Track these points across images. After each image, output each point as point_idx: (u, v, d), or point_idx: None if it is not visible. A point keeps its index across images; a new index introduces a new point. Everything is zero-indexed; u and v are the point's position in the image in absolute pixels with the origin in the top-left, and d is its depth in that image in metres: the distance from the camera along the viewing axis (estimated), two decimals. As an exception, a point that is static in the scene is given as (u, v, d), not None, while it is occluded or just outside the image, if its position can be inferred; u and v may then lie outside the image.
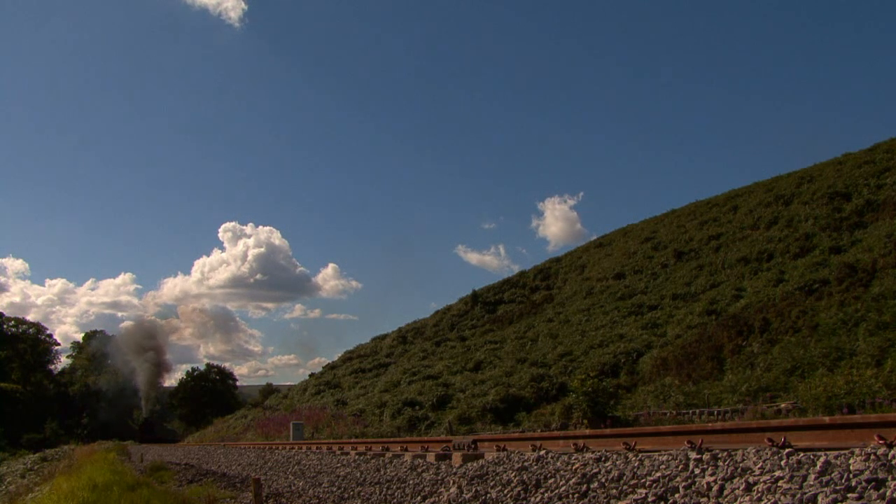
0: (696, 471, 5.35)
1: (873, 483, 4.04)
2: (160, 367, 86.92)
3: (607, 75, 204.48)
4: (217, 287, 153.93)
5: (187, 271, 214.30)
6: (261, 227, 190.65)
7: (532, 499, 6.54)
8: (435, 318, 52.24)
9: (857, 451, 4.52)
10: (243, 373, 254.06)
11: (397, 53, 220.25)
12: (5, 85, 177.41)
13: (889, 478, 4.04)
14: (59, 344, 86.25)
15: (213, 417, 59.23)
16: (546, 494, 6.43)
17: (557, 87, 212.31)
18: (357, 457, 12.72)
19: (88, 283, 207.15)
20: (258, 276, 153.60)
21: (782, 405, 13.03)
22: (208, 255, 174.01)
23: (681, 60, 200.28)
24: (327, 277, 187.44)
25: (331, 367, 52.53)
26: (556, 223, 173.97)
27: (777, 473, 4.63)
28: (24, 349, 78.80)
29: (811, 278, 21.54)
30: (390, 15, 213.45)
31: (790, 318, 18.78)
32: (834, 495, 4.07)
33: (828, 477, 4.30)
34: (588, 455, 6.89)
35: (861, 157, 35.02)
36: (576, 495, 6.09)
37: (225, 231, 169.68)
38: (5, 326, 78.80)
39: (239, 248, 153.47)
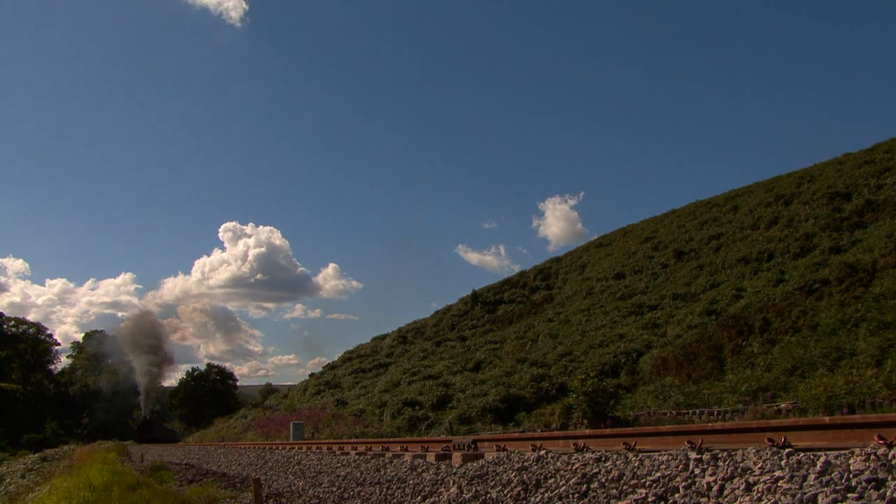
0: (696, 471, 5.35)
1: (873, 483, 4.04)
2: (161, 361, 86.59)
3: (608, 75, 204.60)
4: (217, 287, 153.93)
5: (188, 271, 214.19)
6: (261, 226, 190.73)
7: (532, 499, 6.54)
8: (435, 318, 52.24)
9: (857, 451, 4.52)
10: (243, 373, 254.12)
11: (398, 53, 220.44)
12: (5, 85, 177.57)
13: (889, 478, 4.04)
14: (59, 344, 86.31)
15: (214, 417, 59.22)
16: (546, 494, 6.43)
17: (558, 86, 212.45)
18: (357, 457, 12.72)
19: (89, 283, 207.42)
20: (258, 276, 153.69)
21: (782, 405, 13.02)
22: (209, 255, 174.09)
23: (681, 60, 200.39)
24: (328, 277, 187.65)
25: (331, 367, 52.53)
26: (556, 223, 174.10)
27: (777, 473, 4.63)
28: (24, 349, 78.78)
29: (811, 278, 21.54)
30: (390, 15, 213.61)
31: (790, 318, 18.78)
32: (834, 495, 4.07)
33: (828, 477, 4.30)
34: (588, 455, 6.89)
35: (861, 157, 35.02)
36: (576, 495, 6.09)
37: (225, 231, 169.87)
38: (5, 326, 78.79)
39: (239, 247, 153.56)
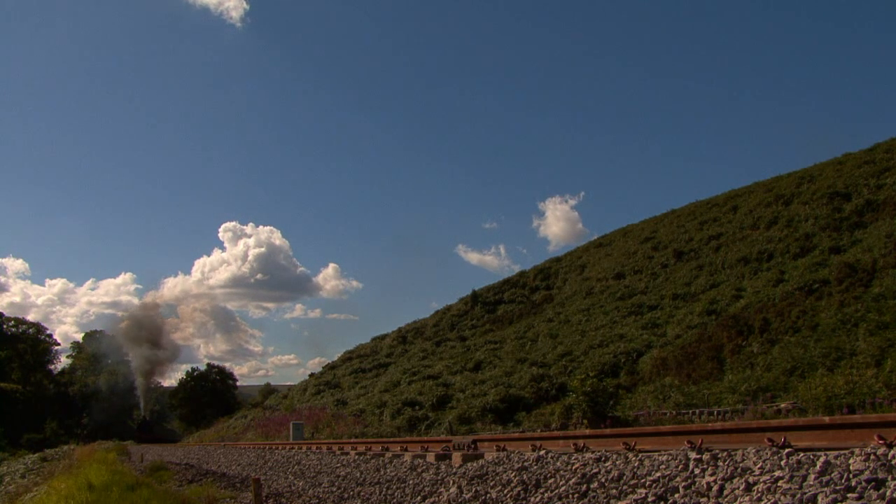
0: (696, 471, 5.34)
1: (873, 483, 4.03)
2: (161, 357, 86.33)
3: (608, 75, 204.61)
4: (217, 287, 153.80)
5: (188, 271, 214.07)
6: (261, 226, 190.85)
7: (532, 499, 6.54)
8: (435, 318, 52.23)
9: (857, 451, 4.51)
10: (243, 373, 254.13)
11: (398, 53, 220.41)
12: (6, 84, 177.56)
13: (889, 478, 4.03)
14: (59, 344, 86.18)
15: (214, 417, 59.19)
16: (546, 494, 6.42)
17: (559, 86, 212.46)
18: (357, 457, 12.72)
19: (89, 283, 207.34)
20: (259, 276, 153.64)
21: (782, 405, 13.02)
22: (209, 255, 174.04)
23: (681, 60, 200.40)
24: (328, 277, 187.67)
25: (331, 367, 52.52)
26: (557, 223, 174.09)
27: (777, 473, 4.63)
28: (24, 349, 78.72)
29: (811, 278, 21.54)
30: (391, 15, 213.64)
31: (790, 318, 18.78)
32: (834, 495, 4.06)
33: (828, 477, 4.30)
34: (588, 455, 6.88)
35: (861, 157, 35.01)
36: (576, 495, 6.08)
37: (225, 231, 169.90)
38: (5, 326, 78.74)
39: (239, 247, 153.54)
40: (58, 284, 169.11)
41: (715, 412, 14.34)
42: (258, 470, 15.67)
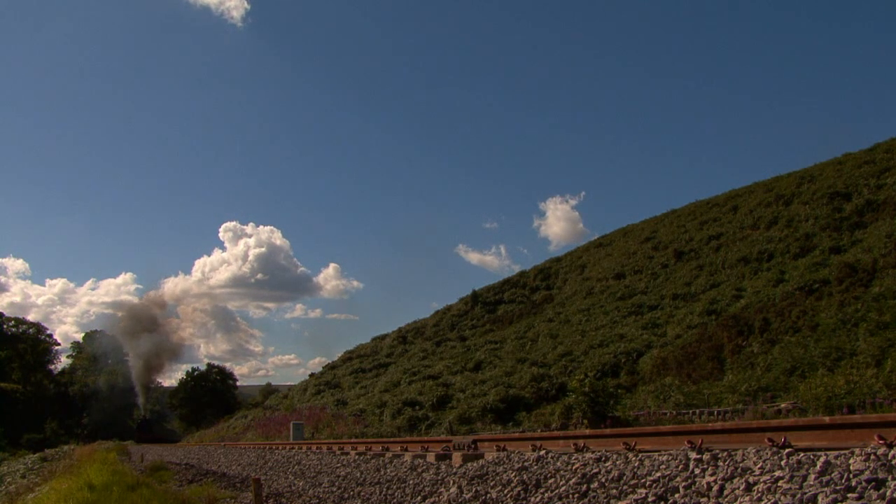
0: (696, 471, 5.34)
1: (873, 483, 4.03)
2: (161, 349, 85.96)
3: (608, 75, 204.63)
4: (218, 287, 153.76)
5: (188, 271, 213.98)
6: (261, 226, 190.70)
7: (532, 499, 6.54)
8: (435, 318, 52.23)
9: (857, 451, 4.52)
10: (243, 373, 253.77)
11: (398, 53, 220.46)
12: (6, 84, 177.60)
13: (889, 478, 4.04)
14: (59, 344, 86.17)
15: (214, 417, 59.18)
16: (546, 494, 6.43)
17: (559, 86, 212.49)
18: (357, 457, 12.72)
19: (89, 283, 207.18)
20: (259, 276, 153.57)
21: (782, 405, 13.02)
22: (209, 255, 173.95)
23: (681, 60, 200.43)
24: (328, 277, 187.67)
25: (331, 367, 52.54)
26: (557, 223, 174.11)
27: (777, 473, 4.63)
28: (24, 349, 78.71)
29: (811, 278, 21.54)
30: (391, 15, 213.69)
31: (790, 318, 18.78)
32: (834, 495, 4.06)
33: (828, 477, 4.30)
34: (588, 455, 6.89)
35: (861, 157, 35.02)
36: (576, 495, 6.09)
37: (226, 231, 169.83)
38: (5, 326, 78.73)
39: (240, 247, 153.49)
40: (58, 284, 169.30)
41: (715, 412, 14.34)
42: (258, 470, 15.67)
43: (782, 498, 4.32)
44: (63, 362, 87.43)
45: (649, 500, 5.33)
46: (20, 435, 60.88)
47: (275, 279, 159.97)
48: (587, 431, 10.07)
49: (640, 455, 6.28)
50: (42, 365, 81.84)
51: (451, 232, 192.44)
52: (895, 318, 15.31)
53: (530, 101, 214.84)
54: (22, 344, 78.61)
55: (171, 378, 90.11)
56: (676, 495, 5.19)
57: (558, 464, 6.98)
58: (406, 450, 12.01)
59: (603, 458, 6.56)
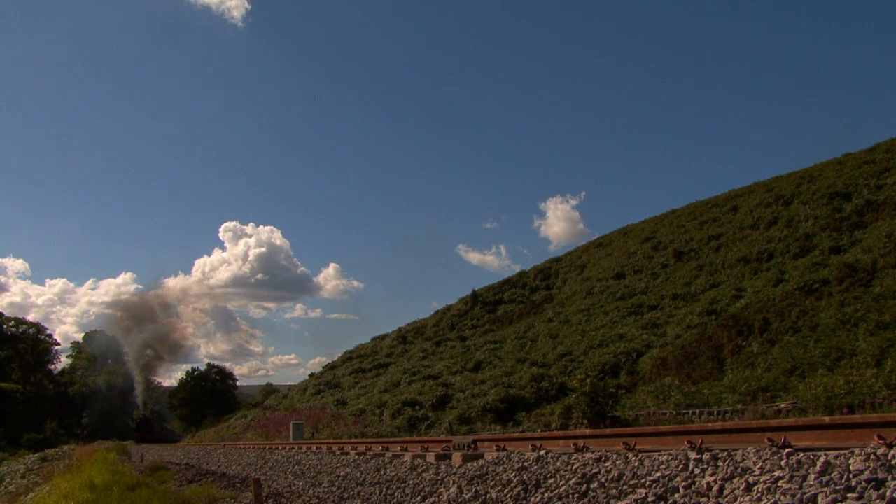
0: (696, 471, 5.34)
1: (873, 483, 4.03)
2: (161, 340, 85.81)
3: (609, 75, 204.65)
4: (218, 287, 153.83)
5: (188, 271, 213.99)
6: (261, 226, 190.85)
7: (532, 499, 6.54)
8: (435, 318, 52.23)
9: (857, 451, 4.52)
10: (243, 373, 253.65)
11: (399, 53, 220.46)
12: (6, 84, 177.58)
13: (889, 478, 4.04)
14: (59, 344, 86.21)
15: (214, 417, 59.16)
16: (546, 494, 6.42)
17: (560, 86, 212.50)
18: (357, 457, 12.72)
19: (89, 283, 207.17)
20: (259, 276, 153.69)
21: (782, 405, 13.02)
22: (209, 255, 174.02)
23: (681, 60, 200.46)
24: (328, 277, 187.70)
25: (331, 367, 52.53)
26: (558, 223, 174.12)
27: (777, 473, 4.63)
28: (24, 349, 78.72)
29: (811, 278, 21.53)
30: (392, 15, 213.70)
31: (790, 318, 18.78)
32: (834, 495, 4.06)
33: (828, 477, 4.30)
34: (588, 455, 6.89)
35: (861, 157, 35.01)
36: (576, 495, 6.08)
37: (226, 230, 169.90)
38: (5, 326, 78.73)
39: (240, 247, 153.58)
40: (58, 284, 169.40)
41: (715, 412, 14.34)
42: (258, 470, 15.67)
43: (782, 498, 4.32)
44: (63, 362, 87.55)
45: (649, 500, 5.33)
46: (20, 435, 60.86)
47: (275, 279, 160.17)
48: (587, 431, 10.07)
49: (640, 455, 6.27)
50: (42, 365, 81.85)
51: (451, 232, 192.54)
52: (895, 318, 15.31)
53: (530, 101, 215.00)
54: (22, 344, 78.62)
55: (170, 378, 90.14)
56: (676, 495, 5.19)
57: (558, 464, 6.98)
58: (406, 450, 12.01)
59: (603, 458, 6.56)
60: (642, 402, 17.54)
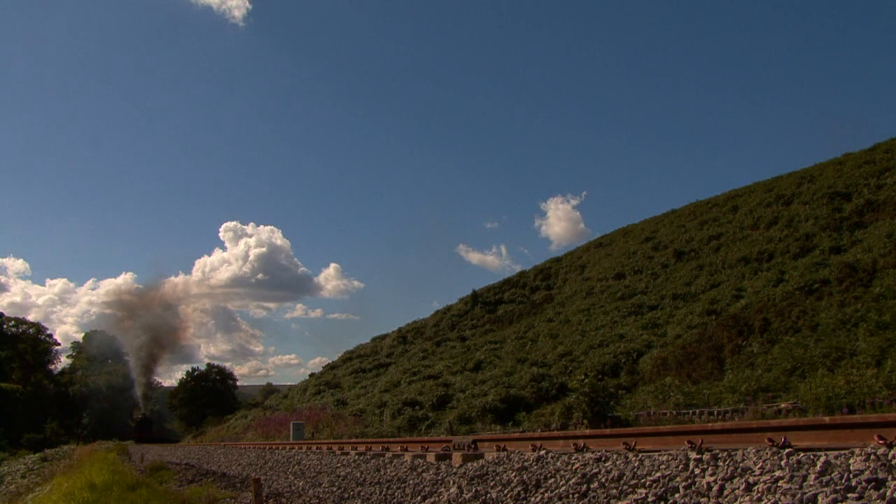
0: (696, 471, 5.35)
1: (873, 483, 4.04)
2: (162, 334, 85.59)
3: (610, 75, 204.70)
4: (218, 287, 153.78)
5: (188, 271, 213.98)
6: (262, 226, 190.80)
7: (532, 499, 6.54)
8: (435, 318, 52.24)
9: (857, 451, 4.52)
10: (244, 373, 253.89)
11: (399, 53, 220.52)
12: (6, 84, 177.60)
13: (889, 478, 4.04)
14: (59, 344, 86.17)
15: (214, 417, 59.15)
16: (546, 494, 6.43)
17: (561, 87, 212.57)
18: (357, 457, 12.72)
19: (89, 283, 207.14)
20: (259, 276, 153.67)
21: (782, 405, 13.02)
22: (209, 255, 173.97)
23: (682, 61, 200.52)
24: (329, 277, 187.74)
25: (331, 367, 52.54)
26: (559, 223, 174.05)
27: (777, 473, 4.63)
28: (25, 349, 78.72)
29: (811, 278, 21.54)
30: (392, 15, 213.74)
31: (790, 318, 18.78)
32: (834, 495, 4.06)
33: (828, 477, 4.30)
34: (588, 455, 6.89)
35: (861, 157, 35.03)
36: (576, 495, 6.09)
37: (226, 230, 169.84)
38: (5, 326, 78.72)
39: (240, 247, 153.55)
40: (58, 284, 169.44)
41: (715, 412, 14.34)
42: (258, 470, 15.67)
43: (782, 498, 4.33)
44: (63, 362, 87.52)
45: (649, 500, 5.33)
46: (20, 435, 60.85)
47: (275, 279, 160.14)
48: (587, 431, 10.07)
49: (640, 455, 6.27)
50: (42, 365, 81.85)
51: (451, 232, 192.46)
52: (895, 318, 15.31)
53: (531, 101, 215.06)
54: (22, 344, 78.62)
55: (170, 378, 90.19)
56: (676, 495, 5.19)
57: (558, 464, 6.98)
58: (406, 450, 12.01)
59: (603, 458, 6.56)
60: (642, 402, 17.55)
